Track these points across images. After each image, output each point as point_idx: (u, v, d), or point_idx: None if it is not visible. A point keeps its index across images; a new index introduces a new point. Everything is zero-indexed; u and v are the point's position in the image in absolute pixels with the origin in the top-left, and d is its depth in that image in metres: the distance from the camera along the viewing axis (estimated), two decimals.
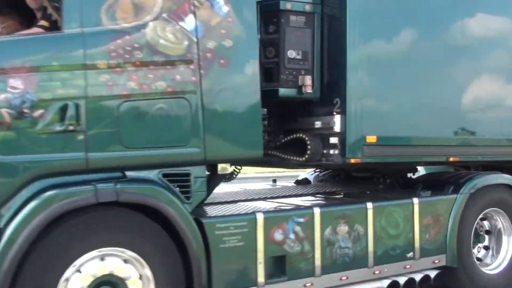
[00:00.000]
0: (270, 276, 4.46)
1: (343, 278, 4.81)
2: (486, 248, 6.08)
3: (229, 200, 5.27)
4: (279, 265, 4.52)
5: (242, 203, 5.12)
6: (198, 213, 4.29)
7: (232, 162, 4.52)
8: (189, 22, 4.16)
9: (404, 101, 5.28)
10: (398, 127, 5.22)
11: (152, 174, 4.06)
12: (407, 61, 5.31)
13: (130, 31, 3.92)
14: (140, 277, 3.92)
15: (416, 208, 5.25)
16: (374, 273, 4.99)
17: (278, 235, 4.50)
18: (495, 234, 6.03)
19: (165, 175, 4.11)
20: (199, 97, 4.17)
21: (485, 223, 6.03)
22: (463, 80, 5.62)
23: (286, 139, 5.27)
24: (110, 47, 3.85)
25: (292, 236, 4.55)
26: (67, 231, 3.64)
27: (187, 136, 4.13)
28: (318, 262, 4.67)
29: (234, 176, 5.49)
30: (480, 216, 5.83)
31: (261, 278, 4.39)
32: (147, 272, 3.92)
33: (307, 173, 7.16)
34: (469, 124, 5.74)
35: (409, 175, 6.47)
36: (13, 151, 3.54)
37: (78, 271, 3.68)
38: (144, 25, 3.98)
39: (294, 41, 4.97)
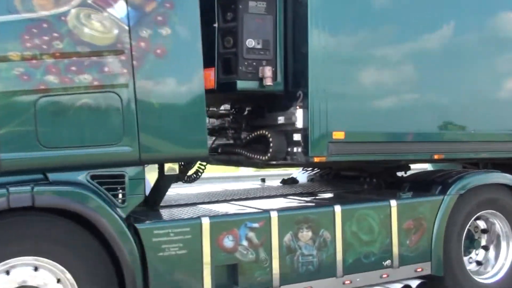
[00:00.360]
0: (220, 287, 4.05)
1: None
2: (485, 252, 5.48)
3: (189, 202, 4.88)
4: (230, 275, 4.14)
5: (202, 206, 4.73)
6: (136, 219, 3.91)
7: (173, 161, 4.11)
8: (119, 9, 3.79)
9: (377, 93, 4.79)
10: (370, 122, 4.71)
11: (79, 175, 3.71)
12: (382, 49, 4.80)
13: (48, 20, 3.58)
14: (59, 281, 3.57)
15: (394, 211, 4.74)
16: (344, 283, 4.52)
17: (228, 242, 4.09)
18: (494, 239, 5.44)
19: (94, 177, 3.76)
20: (132, 91, 3.80)
21: (480, 223, 5.45)
22: (447, 70, 5.04)
23: (250, 136, 4.84)
24: (25, 37, 3.50)
25: (244, 243, 4.14)
26: None
27: (117, 134, 3.77)
28: (276, 271, 4.23)
29: (198, 176, 5.10)
30: (473, 219, 5.24)
31: None
32: (68, 276, 3.57)
33: (299, 172, 6.71)
34: (457, 118, 5.19)
35: (400, 174, 5.92)
36: None
37: None
38: (65, 13, 3.63)
39: (254, 29, 4.53)
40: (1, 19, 3.47)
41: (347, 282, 4.52)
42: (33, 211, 3.52)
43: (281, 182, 6.53)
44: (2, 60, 3.46)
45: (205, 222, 4.01)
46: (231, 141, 5.25)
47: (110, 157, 3.77)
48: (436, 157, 5.06)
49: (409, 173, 5.98)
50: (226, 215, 4.28)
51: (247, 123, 5.04)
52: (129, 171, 3.87)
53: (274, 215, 4.26)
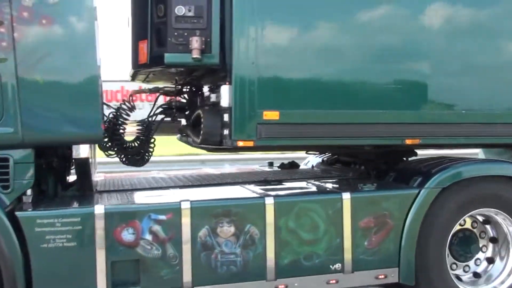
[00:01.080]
0: (117, 285, 3.67)
1: None
2: (490, 260, 4.55)
3: (132, 188, 4.53)
4: (130, 272, 3.71)
5: (140, 192, 4.35)
6: (23, 206, 3.63)
7: (63, 144, 3.75)
8: None
9: (320, 63, 4.03)
10: (311, 99, 3.98)
11: None
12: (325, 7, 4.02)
13: None
14: None
15: (347, 206, 4.01)
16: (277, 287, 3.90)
17: (127, 235, 3.68)
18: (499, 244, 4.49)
19: None
20: (12, 65, 3.48)
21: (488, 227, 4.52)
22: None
23: (191, 117, 4.37)
24: None
25: (148, 237, 3.70)
26: None
27: None
28: (187, 270, 3.74)
29: (144, 158, 4.71)
30: (464, 218, 4.34)
31: (102, 285, 3.60)
32: None
33: (315, 156, 6.05)
34: (440, 94, 4.25)
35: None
36: None
37: None
38: None
39: None
40: None
41: (282, 286, 3.91)
42: None
43: (279, 167, 5.95)
44: None
45: (99, 212, 3.62)
46: (185, 122, 4.80)
47: None
48: (408, 142, 4.19)
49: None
50: (127, 205, 3.84)
51: (191, 102, 4.55)
52: (14, 154, 3.58)
53: (185, 207, 3.75)
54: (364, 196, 4.11)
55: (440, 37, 4.16)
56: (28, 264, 3.52)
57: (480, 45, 4.25)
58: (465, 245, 4.48)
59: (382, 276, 4.11)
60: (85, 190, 4.20)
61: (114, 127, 4.46)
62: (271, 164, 6.12)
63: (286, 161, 5.97)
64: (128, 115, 4.51)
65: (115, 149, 4.55)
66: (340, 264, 4.02)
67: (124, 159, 4.60)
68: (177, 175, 5.26)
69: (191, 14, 4.00)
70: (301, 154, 6.23)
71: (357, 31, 4.05)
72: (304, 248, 3.96)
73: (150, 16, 4.14)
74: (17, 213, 3.52)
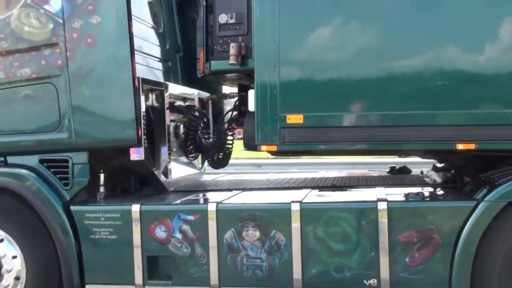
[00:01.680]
0: (151, 277, 4.01)
1: None
2: None
3: (205, 189, 4.84)
4: (163, 267, 4.01)
5: (206, 193, 4.65)
6: (80, 200, 4.21)
7: (106, 148, 4.20)
8: (54, 4, 4.09)
9: (346, 66, 3.72)
10: (336, 103, 3.72)
11: (31, 159, 4.23)
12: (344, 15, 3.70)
13: None
14: (14, 257, 4.18)
15: (383, 217, 3.66)
16: None
17: (160, 233, 4.00)
18: None
19: (43, 161, 4.23)
20: (66, 80, 4.09)
21: None
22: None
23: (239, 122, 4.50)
24: None
25: (178, 235, 3.96)
26: None
27: (55, 121, 4.13)
28: (214, 270, 3.89)
29: (223, 161, 4.97)
30: None
31: (139, 278, 4.02)
32: (18, 251, 4.16)
33: None
34: (501, 88, 3.56)
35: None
36: None
37: None
38: (10, 15, 4.14)
39: (226, 2, 4.15)
40: None
41: None
42: None
43: (388, 172, 5.61)
44: None
45: (135, 210, 4.00)
46: None
47: (52, 142, 4.17)
48: (460, 146, 3.62)
49: None
50: (160, 204, 4.12)
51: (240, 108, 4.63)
52: (73, 157, 4.18)
53: (212, 209, 3.90)
54: (403, 207, 3.69)
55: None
56: (81, 252, 4.08)
57: None
58: None
59: None
60: (161, 190, 4.61)
61: (188, 132, 4.79)
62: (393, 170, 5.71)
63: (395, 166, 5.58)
64: (201, 121, 4.79)
65: (194, 153, 4.88)
66: (375, 280, 3.69)
67: (210, 162, 4.91)
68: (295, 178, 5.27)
69: (232, 21, 4.12)
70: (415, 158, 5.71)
71: (385, 28, 3.66)
72: (333, 259, 3.74)
73: (204, 26, 4.36)
74: (71, 207, 4.11)
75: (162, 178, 4.59)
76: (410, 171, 5.50)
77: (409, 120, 3.66)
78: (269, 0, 3.80)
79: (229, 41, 4.09)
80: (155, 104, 4.45)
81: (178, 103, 4.84)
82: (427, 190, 4.12)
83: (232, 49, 4.01)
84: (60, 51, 4.08)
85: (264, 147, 3.85)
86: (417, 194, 3.79)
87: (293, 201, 3.83)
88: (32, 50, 4.13)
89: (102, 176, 4.34)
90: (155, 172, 4.52)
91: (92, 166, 4.21)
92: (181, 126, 4.83)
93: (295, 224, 3.77)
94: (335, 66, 3.77)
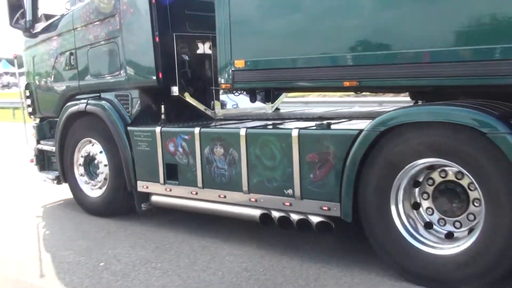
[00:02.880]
0: (168, 178, 5.79)
1: (221, 196, 5.31)
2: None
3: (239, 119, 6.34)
4: (173, 172, 5.73)
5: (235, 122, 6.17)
6: (137, 123, 6.18)
7: (142, 88, 6.00)
8: None
9: (273, 20, 4.72)
10: (269, 49, 4.76)
11: (111, 95, 6.38)
12: None
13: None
14: (106, 165, 6.48)
15: (295, 141, 4.69)
16: (250, 200, 5.08)
17: (171, 147, 5.71)
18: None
19: (116, 96, 6.32)
20: (121, 39, 6.04)
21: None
22: None
23: None
24: (83, 16, 6.42)
25: (180, 149, 5.62)
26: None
27: (118, 68, 6.15)
28: (199, 176, 5.46)
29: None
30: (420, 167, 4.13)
31: (162, 178, 5.83)
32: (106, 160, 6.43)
33: None
34: (378, 32, 4.14)
35: None
36: None
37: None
38: None
39: None
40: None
41: (253, 199, 5.06)
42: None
43: None
44: (77, 29, 6.50)
45: (158, 131, 5.78)
46: None
47: (118, 83, 6.19)
48: (346, 84, 4.36)
49: None
50: (173, 127, 5.75)
51: None
52: (131, 93, 6.16)
53: (196, 131, 5.42)
54: (308, 133, 4.62)
55: None
56: (133, 158, 6.08)
57: None
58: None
59: (326, 208, 4.57)
60: (208, 118, 6.30)
61: None
62: None
63: None
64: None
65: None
66: (291, 190, 4.76)
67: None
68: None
69: None
70: None
71: None
72: (266, 172, 4.90)
73: None
74: (128, 128, 6.10)
75: (207, 110, 6.25)
76: None
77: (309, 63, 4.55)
78: None
79: None
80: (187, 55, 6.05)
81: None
82: (337, 122, 4.87)
83: None
84: (118, 19, 6.00)
85: (223, 85, 5.18)
86: (326, 124, 4.64)
87: (242, 127, 5.09)
88: (105, 19, 6.15)
89: (153, 106, 6.20)
90: (196, 105, 6.17)
91: (144, 100, 6.10)
92: None
93: (243, 144, 5.04)
94: (265, 25, 4.84)
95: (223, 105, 6.74)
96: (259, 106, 6.84)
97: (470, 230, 3.98)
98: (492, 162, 3.65)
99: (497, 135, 3.59)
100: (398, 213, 4.24)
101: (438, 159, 3.98)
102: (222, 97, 6.64)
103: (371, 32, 4.27)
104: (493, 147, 3.62)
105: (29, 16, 6.99)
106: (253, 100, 6.12)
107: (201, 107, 6.24)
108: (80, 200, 6.91)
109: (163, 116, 6.20)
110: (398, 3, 4.13)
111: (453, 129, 3.81)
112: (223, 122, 5.95)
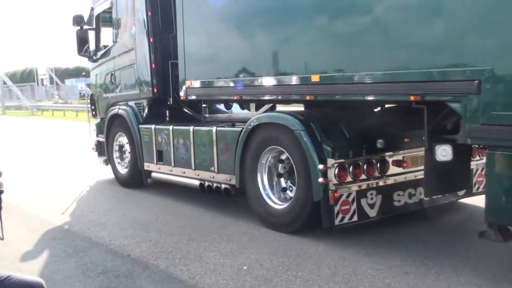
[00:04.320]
0: (159, 160, 8.66)
1: (183, 172, 8.08)
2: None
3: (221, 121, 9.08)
4: (161, 155, 8.58)
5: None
6: (147, 122, 9.15)
7: (148, 99, 8.92)
8: (134, 27, 9.08)
9: (213, 51, 7.35)
10: (204, 74, 7.47)
11: (132, 103, 9.43)
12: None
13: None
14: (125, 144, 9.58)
15: (214, 135, 7.31)
16: (196, 174, 7.78)
17: (159, 139, 8.59)
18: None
19: (136, 104, 9.35)
20: (135, 66, 9.08)
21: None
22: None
23: None
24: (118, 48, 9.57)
25: (163, 140, 8.48)
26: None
27: (134, 84, 9.18)
28: (172, 158, 8.27)
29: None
30: (267, 150, 6.57)
31: (155, 160, 8.73)
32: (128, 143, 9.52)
33: None
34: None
35: None
36: None
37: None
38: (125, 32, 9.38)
39: None
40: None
41: (197, 174, 7.74)
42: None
43: None
44: (115, 57, 9.67)
45: (152, 128, 8.69)
46: None
47: (135, 95, 9.20)
48: (236, 98, 6.95)
49: None
50: (160, 125, 8.58)
51: None
52: (143, 102, 9.15)
53: (170, 128, 8.24)
54: (221, 130, 7.22)
55: None
56: (142, 146, 9.04)
57: None
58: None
59: (229, 179, 7.13)
60: (199, 121, 9.12)
61: None
62: None
63: None
64: None
65: None
66: (214, 167, 7.39)
67: None
68: None
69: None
70: None
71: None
72: (203, 156, 7.56)
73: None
74: (140, 126, 9.07)
75: (195, 114, 9.04)
76: None
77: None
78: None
79: None
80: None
81: None
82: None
83: None
84: (134, 52, 9.03)
85: (182, 97, 7.96)
86: (231, 124, 7.23)
87: (191, 126, 7.81)
88: (129, 51, 9.21)
89: (158, 111, 9.11)
90: (188, 111, 8.99)
91: (151, 107, 9.03)
92: None
93: (191, 137, 7.76)
94: (207, 54, 7.54)
95: (226, 110, 9.45)
96: (246, 112, 9.45)
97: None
98: (295, 146, 6.03)
99: (297, 131, 5.99)
100: (262, 180, 6.69)
101: (277, 146, 6.41)
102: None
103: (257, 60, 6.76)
104: (295, 138, 6.01)
105: (92, 47, 10.29)
106: (242, 108, 8.86)
107: (190, 112, 9.01)
108: (116, 176, 9.97)
109: (167, 118, 9.09)
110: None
111: (280, 127, 6.25)
112: (201, 123, 8.68)
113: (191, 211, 7.69)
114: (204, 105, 8.84)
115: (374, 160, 5.83)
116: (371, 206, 5.83)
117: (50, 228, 7.06)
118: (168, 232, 6.57)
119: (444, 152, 4.75)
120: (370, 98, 5.37)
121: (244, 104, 9.11)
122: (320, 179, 5.62)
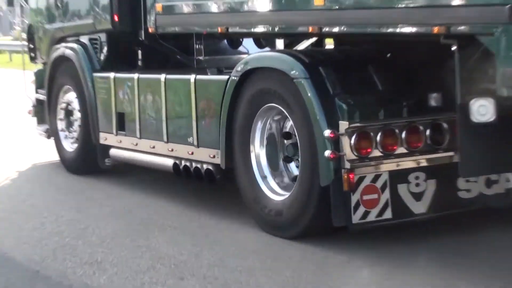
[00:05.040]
0: (119, 129, 7.58)
1: (152, 146, 7.01)
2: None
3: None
4: (123, 122, 7.56)
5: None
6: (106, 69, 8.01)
7: (106, 31, 7.74)
8: None
9: None
10: None
11: (86, 39, 8.23)
12: None
13: None
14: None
15: (192, 88, 6.26)
16: (169, 150, 6.77)
17: (121, 94, 7.44)
18: None
19: (90, 40, 8.18)
20: None
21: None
22: None
23: None
24: None
25: (126, 97, 7.28)
26: None
27: (90, 11, 7.97)
28: (138, 126, 7.27)
29: None
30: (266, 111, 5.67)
31: (114, 129, 7.62)
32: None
33: None
34: None
35: None
36: None
37: None
38: None
39: None
40: None
41: (170, 149, 6.71)
42: None
43: None
44: None
45: (112, 77, 7.56)
46: None
47: (87, 26, 8.04)
48: (219, 30, 5.87)
49: None
50: (122, 73, 7.47)
51: None
52: (101, 37, 8.00)
53: (135, 78, 7.12)
54: (202, 79, 6.41)
55: None
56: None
57: None
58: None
59: (212, 156, 6.23)
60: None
61: None
62: None
63: None
64: None
65: None
66: (192, 138, 6.27)
67: None
68: None
69: None
70: None
71: None
72: (177, 120, 6.72)
73: None
74: (93, 74, 7.90)
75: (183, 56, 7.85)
76: None
77: None
78: None
79: None
80: None
81: None
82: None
83: None
84: None
85: (150, 30, 6.86)
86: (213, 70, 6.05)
87: (162, 73, 6.65)
88: None
89: (124, 52, 7.93)
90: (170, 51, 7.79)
91: (113, 45, 7.85)
92: None
93: (163, 92, 6.73)
94: None
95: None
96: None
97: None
98: (297, 102, 5.18)
99: (297, 80, 5.15)
100: (257, 157, 5.78)
101: (276, 104, 5.48)
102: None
103: None
104: (296, 90, 5.18)
105: None
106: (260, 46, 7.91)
107: (176, 53, 7.72)
108: (61, 155, 8.86)
109: (139, 63, 7.81)
110: None
111: (277, 74, 5.36)
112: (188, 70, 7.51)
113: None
114: (197, 43, 7.56)
115: (420, 126, 4.96)
116: (417, 196, 5.09)
117: None
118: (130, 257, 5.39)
119: (482, 110, 4.33)
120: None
121: (263, 40, 7.75)
122: (327, 152, 4.67)
